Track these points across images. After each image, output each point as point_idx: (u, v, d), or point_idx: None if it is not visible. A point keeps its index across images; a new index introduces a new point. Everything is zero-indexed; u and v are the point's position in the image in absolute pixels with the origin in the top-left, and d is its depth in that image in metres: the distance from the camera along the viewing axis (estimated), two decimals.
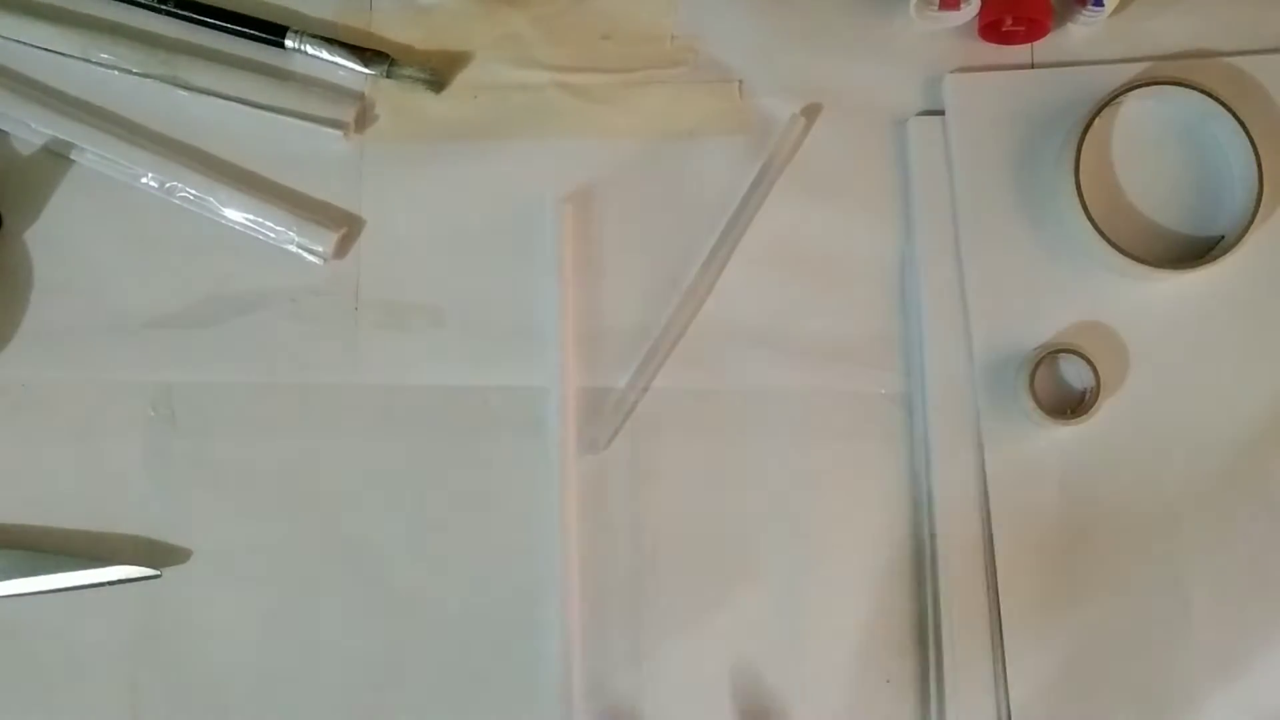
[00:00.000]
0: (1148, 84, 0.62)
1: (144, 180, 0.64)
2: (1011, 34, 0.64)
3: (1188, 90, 0.62)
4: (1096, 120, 0.61)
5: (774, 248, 0.64)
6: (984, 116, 0.64)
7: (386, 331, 0.64)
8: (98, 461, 0.63)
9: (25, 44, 0.66)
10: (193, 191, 0.64)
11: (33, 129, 0.64)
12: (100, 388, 0.63)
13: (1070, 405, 0.61)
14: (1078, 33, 0.65)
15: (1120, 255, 0.60)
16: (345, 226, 0.64)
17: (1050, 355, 0.61)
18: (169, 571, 0.61)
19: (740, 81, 0.65)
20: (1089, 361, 0.60)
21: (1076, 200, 0.60)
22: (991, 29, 0.64)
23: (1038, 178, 0.63)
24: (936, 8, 0.63)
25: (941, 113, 0.64)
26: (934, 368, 0.62)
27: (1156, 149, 0.63)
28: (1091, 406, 0.60)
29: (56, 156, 0.65)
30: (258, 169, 0.65)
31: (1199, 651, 0.60)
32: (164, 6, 0.65)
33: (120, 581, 0.61)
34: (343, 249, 0.64)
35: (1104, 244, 0.60)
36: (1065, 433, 0.60)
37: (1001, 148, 0.64)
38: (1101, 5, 0.63)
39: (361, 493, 0.62)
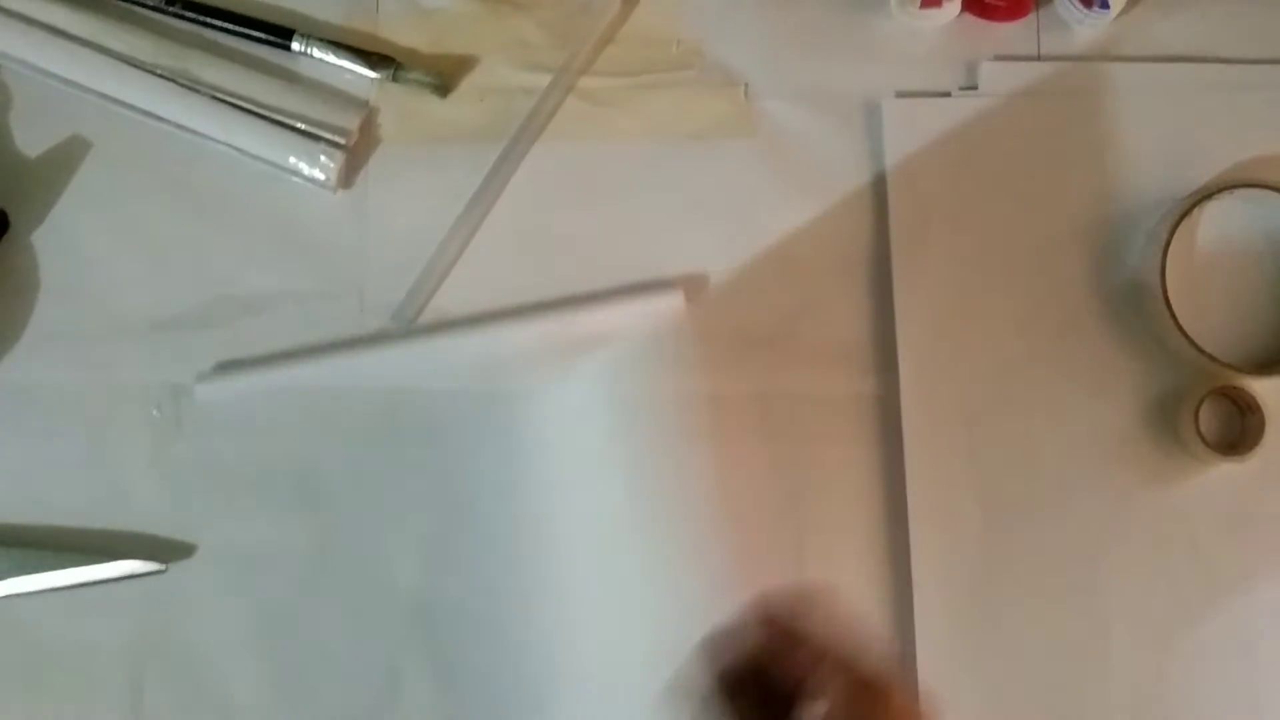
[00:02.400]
0: (1231, 187, 0.61)
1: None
2: (993, 8, 0.64)
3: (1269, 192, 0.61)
4: (1183, 220, 0.61)
5: (776, 249, 0.64)
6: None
7: (392, 334, 0.64)
8: (103, 461, 0.63)
9: (40, 24, 0.65)
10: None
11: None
12: (105, 388, 0.63)
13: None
14: (1083, 34, 0.65)
15: (1208, 359, 0.59)
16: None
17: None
18: (173, 567, 0.61)
19: (746, 85, 0.66)
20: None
21: (1162, 300, 0.60)
22: (974, 0, 0.64)
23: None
24: (918, 6, 0.63)
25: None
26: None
27: (1240, 248, 0.63)
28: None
29: (62, 156, 0.65)
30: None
31: (1115, 686, 0.59)
32: (171, 8, 0.66)
33: (125, 577, 0.61)
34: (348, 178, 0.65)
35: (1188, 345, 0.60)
36: (986, 460, 0.61)
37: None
38: (1107, 7, 0.63)
39: (364, 492, 0.62)
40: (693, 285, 0.63)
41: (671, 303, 0.63)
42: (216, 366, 0.63)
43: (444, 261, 0.64)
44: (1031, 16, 0.65)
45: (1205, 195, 0.61)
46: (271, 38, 0.65)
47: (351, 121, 0.65)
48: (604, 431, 0.62)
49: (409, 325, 0.63)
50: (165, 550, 0.62)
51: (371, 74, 0.65)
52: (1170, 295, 0.60)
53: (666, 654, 0.59)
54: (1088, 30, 0.65)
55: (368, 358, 0.63)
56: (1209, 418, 0.61)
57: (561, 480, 0.62)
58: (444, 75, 0.65)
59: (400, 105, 0.66)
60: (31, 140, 0.66)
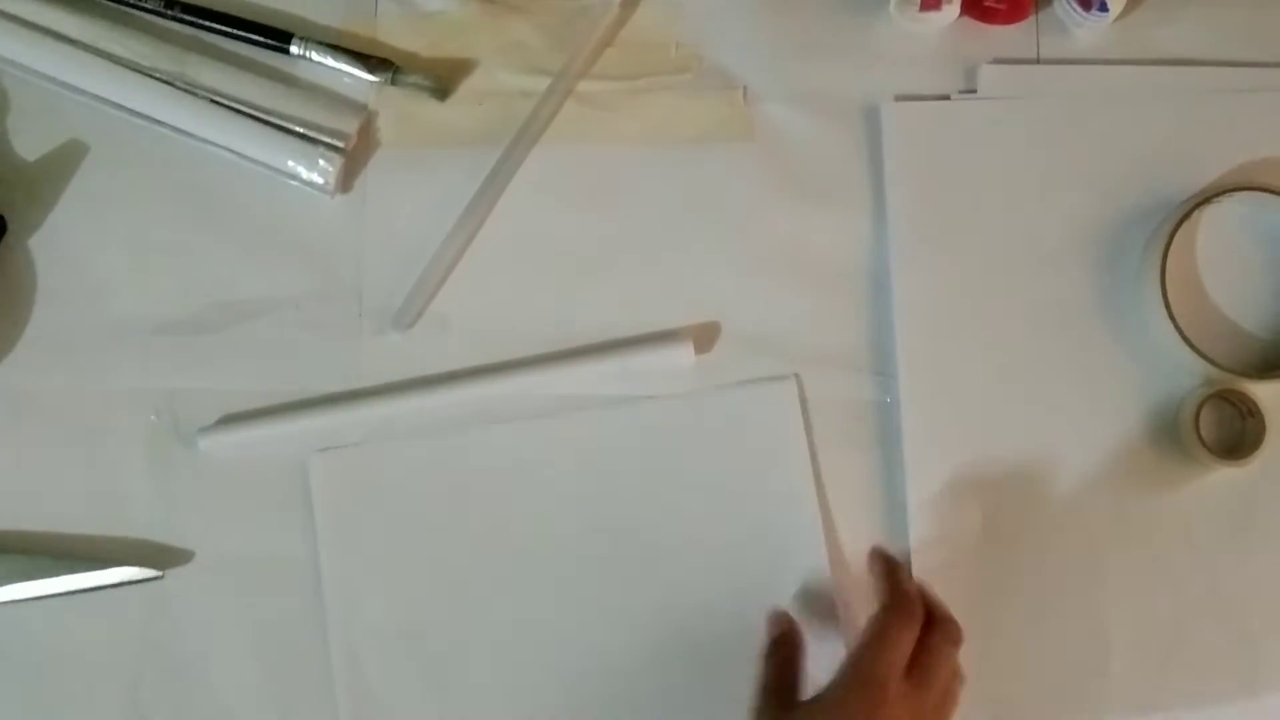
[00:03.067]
0: (1231, 190, 0.61)
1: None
2: (993, 11, 0.64)
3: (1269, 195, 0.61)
4: (1183, 224, 0.61)
5: (776, 254, 0.64)
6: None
7: (390, 337, 0.63)
8: (101, 467, 0.63)
9: (38, 28, 0.65)
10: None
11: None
12: (103, 394, 0.63)
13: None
14: (1083, 38, 0.65)
15: (1208, 363, 0.59)
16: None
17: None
18: (171, 574, 0.61)
19: (745, 88, 0.65)
20: None
21: (1162, 304, 0.60)
22: (973, 4, 0.64)
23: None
24: (917, 9, 0.63)
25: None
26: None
27: (1240, 251, 0.63)
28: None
29: (60, 160, 0.65)
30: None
31: (1115, 687, 0.60)
32: (169, 12, 0.66)
33: (123, 584, 0.61)
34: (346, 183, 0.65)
35: (1188, 349, 0.60)
36: (987, 464, 0.61)
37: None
38: (1106, 10, 0.63)
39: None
40: (703, 335, 0.63)
41: (681, 355, 0.62)
42: (220, 420, 0.63)
43: (442, 265, 0.64)
44: (1031, 20, 0.65)
45: (1205, 199, 0.61)
46: (270, 41, 0.65)
47: (350, 125, 0.65)
48: (606, 439, 0.63)
49: (407, 329, 0.63)
50: (162, 557, 0.61)
51: (370, 77, 0.65)
52: (1170, 299, 0.60)
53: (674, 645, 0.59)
54: (1087, 33, 0.65)
55: (368, 410, 0.63)
56: (1209, 421, 0.61)
57: (561, 503, 0.62)
58: (442, 79, 0.65)
59: (399, 109, 0.66)
60: (29, 144, 0.66)
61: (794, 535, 0.61)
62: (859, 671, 0.53)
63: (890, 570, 0.57)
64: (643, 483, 0.61)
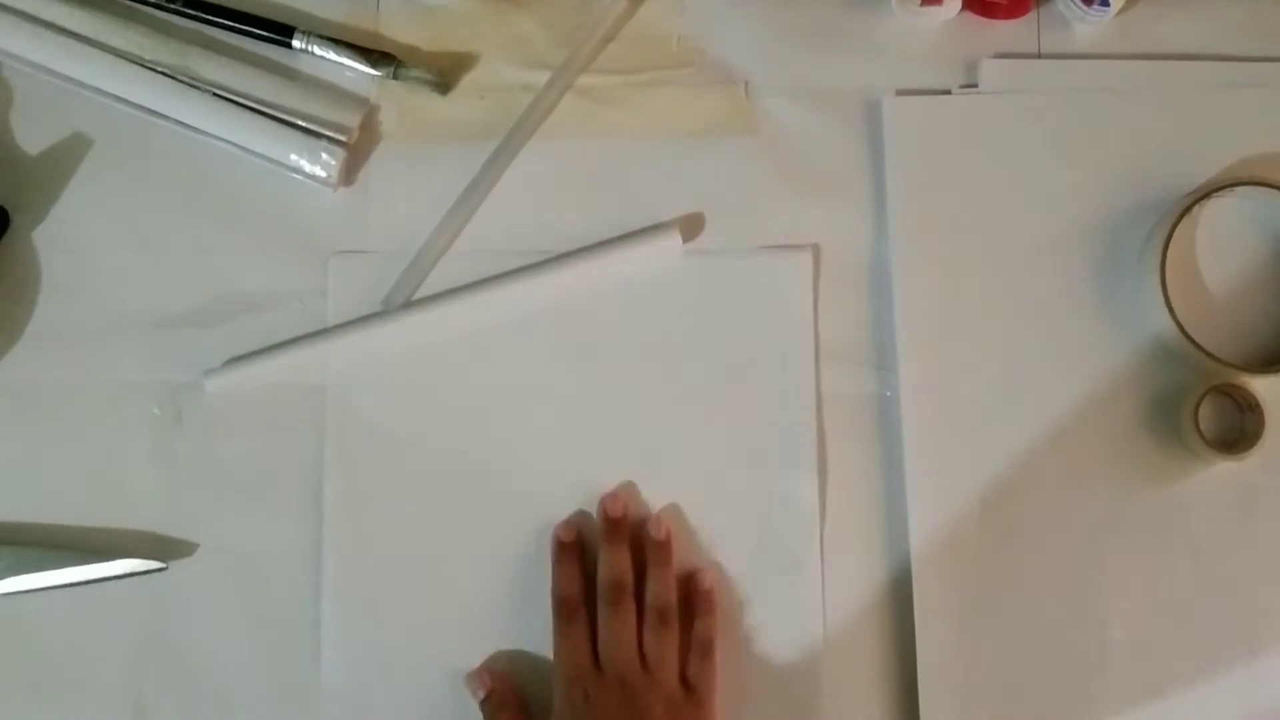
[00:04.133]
0: (1232, 185, 0.61)
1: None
2: (994, 6, 0.64)
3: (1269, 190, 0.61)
4: (1183, 218, 0.61)
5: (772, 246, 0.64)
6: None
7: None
8: (104, 459, 0.63)
9: (41, 22, 0.65)
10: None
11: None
12: (106, 386, 0.63)
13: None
14: (1084, 32, 0.65)
15: (1207, 357, 0.59)
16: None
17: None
18: (174, 566, 0.62)
19: (746, 83, 0.66)
20: None
21: (1162, 298, 0.60)
22: None
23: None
24: (919, 3, 0.63)
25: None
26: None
27: (1240, 246, 0.63)
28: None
29: (63, 154, 0.65)
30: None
31: (1113, 683, 0.60)
32: (172, 5, 0.66)
33: (126, 575, 0.61)
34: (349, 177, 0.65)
35: (1187, 342, 0.60)
36: (987, 458, 0.61)
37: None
38: (1108, 5, 0.63)
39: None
40: (689, 225, 0.64)
41: (669, 245, 0.63)
42: (226, 363, 0.63)
43: (434, 251, 0.64)
44: (1032, 14, 0.65)
45: (1205, 193, 0.61)
46: (272, 35, 0.66)
47: (352, 119, 0.65)
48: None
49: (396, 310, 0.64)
50: (166, 548, 0.62)
51: (372, 71, 0.65)
52: (1170, 293, 0.60)
53: None
54: (1088, 28, 0.65)
55: (370, 333, 0.63)
56: (1209, 416, 0.61)
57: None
58: (445, 73, 0.65)
59: (401, 103, 0.66)
60: (32, 138, 0.66)
61: (788, 401, 0.62)
62: (557, 688, 0.57)
63: (567, 550, 0.60)
64: (647, 355, 0.63)
